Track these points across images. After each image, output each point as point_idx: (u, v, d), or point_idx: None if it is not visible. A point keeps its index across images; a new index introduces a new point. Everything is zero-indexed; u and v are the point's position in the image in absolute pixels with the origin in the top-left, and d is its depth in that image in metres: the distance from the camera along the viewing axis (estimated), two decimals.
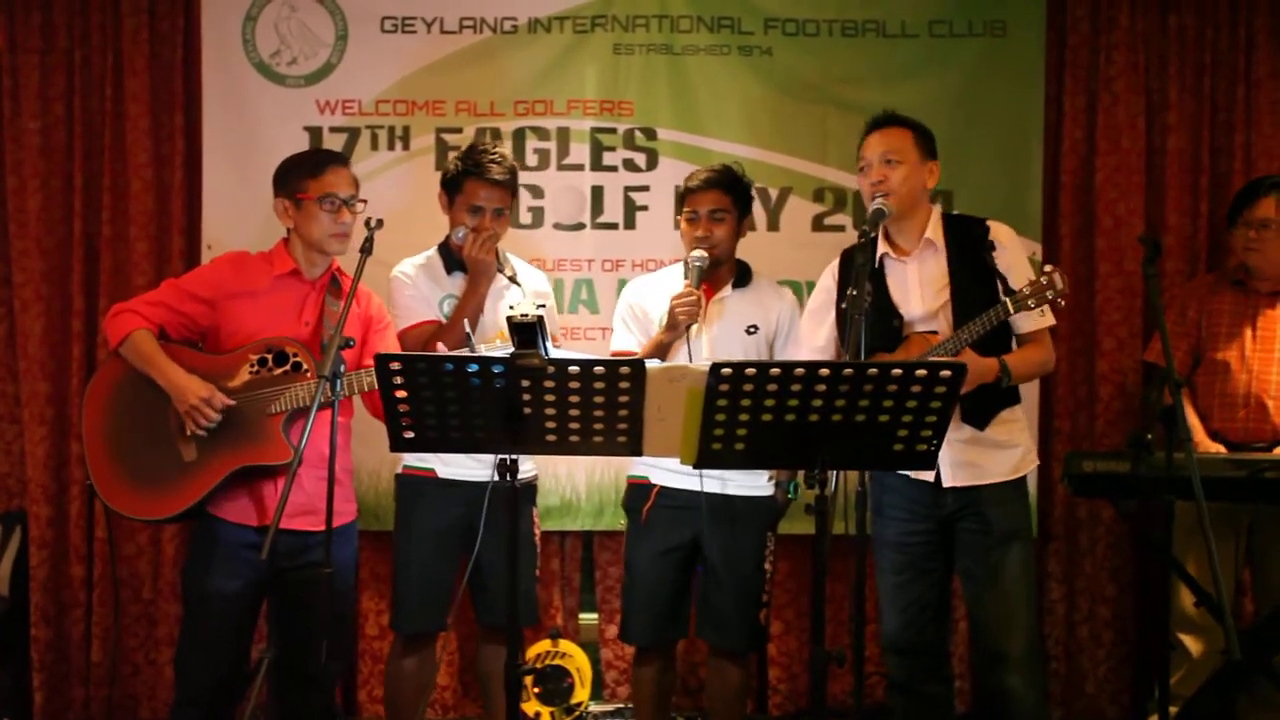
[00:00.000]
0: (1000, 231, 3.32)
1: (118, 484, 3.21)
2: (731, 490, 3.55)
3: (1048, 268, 3.01)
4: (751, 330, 3.61)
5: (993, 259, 3.24)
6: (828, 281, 3.49)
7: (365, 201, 3.34)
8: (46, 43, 4.49)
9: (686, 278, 3.54)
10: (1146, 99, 4.52)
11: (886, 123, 3.37)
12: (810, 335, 3.49)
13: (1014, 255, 3.29)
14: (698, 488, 3.48)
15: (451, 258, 3.65)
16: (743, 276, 3.68)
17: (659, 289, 3.66)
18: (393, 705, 3.69)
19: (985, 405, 3.24)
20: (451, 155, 3.70)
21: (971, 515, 3.25)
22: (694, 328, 3.53)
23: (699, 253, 3.53)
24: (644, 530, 3.61)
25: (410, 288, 3.63)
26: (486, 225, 3.56)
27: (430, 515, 3.57)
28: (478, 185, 3.57)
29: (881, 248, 3.34)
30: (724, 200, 3.59)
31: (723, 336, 3.57)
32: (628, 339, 3.68)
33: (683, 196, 3.69)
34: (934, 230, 3.32)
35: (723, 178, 3.62)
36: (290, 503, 2.97)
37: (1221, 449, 3.89)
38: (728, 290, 3.64)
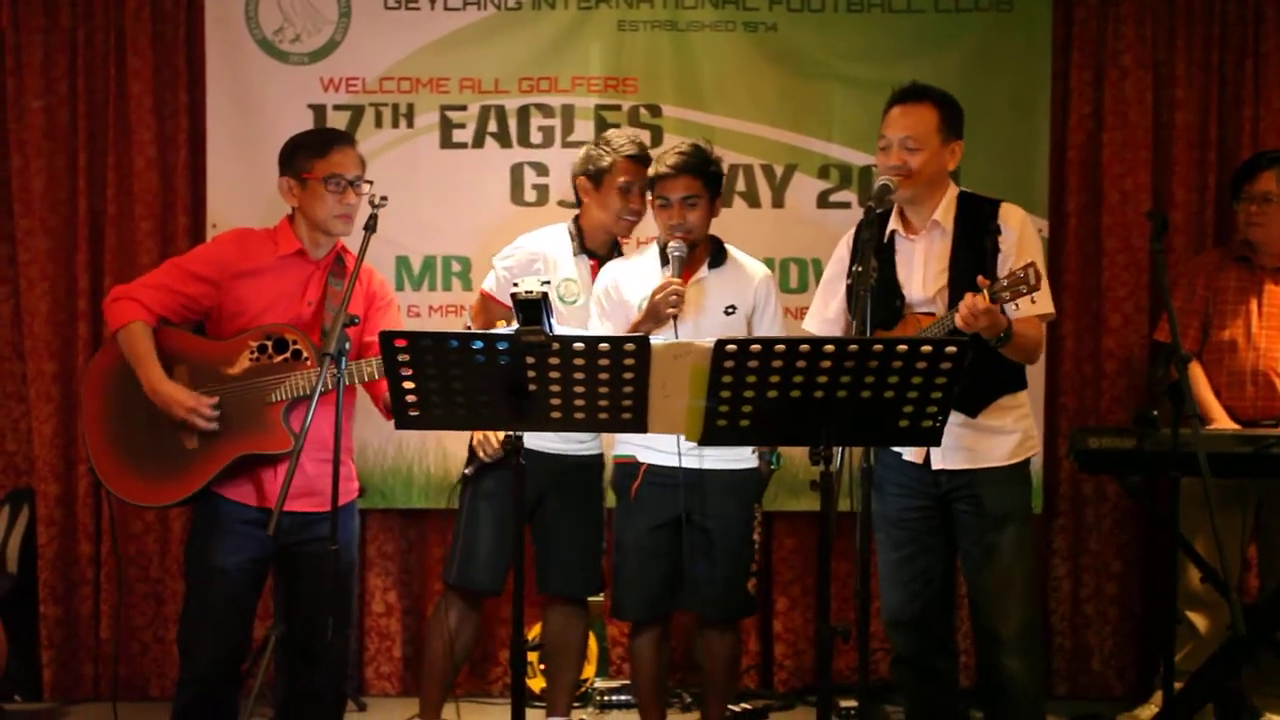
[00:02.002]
0: (1011, 215, 3.22)
1: (119, 470, 3.21)
2: (715, 465, 3.53)
3: (1025, 260, 2.94)
4: (730, 311, 3.56)
5: (995, 243, 3.18)
6: (842, 252, 3.42)
7: (371, 182, 3.30)
8: (49, 20, 4.48)
9: (666, 267, 3.48)
10: (1154, 73, 4.49)
11: (912, 96, 3.23)
12: (821, 306, 3.45)
13: (1021, 240, 3.18)
14: (683, 464, 3.48)
15: (582, 241, 3.70)
16: (718, 256, 3.61)
17: (635, 273, 3.61)
18: (431, 663, 3.71)
19: (978, 392, 3.16)
20: (597, 148, 3.68)
21: (966, 497, 3.23)
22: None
23: (677, 244, 3.46)
24: (633, 508, 3.62)
25: (525, 266, 3.65)
26: (637, 204, 3.65)
27: (505, 483, 3.54)
28: (628, 165, 3.63)
29: (893, 224, 3.30)
30: (695, 185, 3.49)
31: (703, 321, 3.52)
32: (601, 327, 3.61)
33: (651, 182, 3.56)
34: (944, 212, 3.24)
35: (692, 162, 3.50)
36: (291, 484, 2.97)
37: (1237, 427, 3.89)
38: (704, 271, 3.58)
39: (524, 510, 2.79)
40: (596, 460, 3.80)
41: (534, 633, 4.26)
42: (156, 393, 3.14)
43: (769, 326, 3.60)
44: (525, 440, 3.50)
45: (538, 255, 3.68)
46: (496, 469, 3.60)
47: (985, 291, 2.91)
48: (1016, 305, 2.95)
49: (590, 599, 3.92)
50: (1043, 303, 3.14)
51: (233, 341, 3.20)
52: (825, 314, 3.43)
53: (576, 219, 3.76)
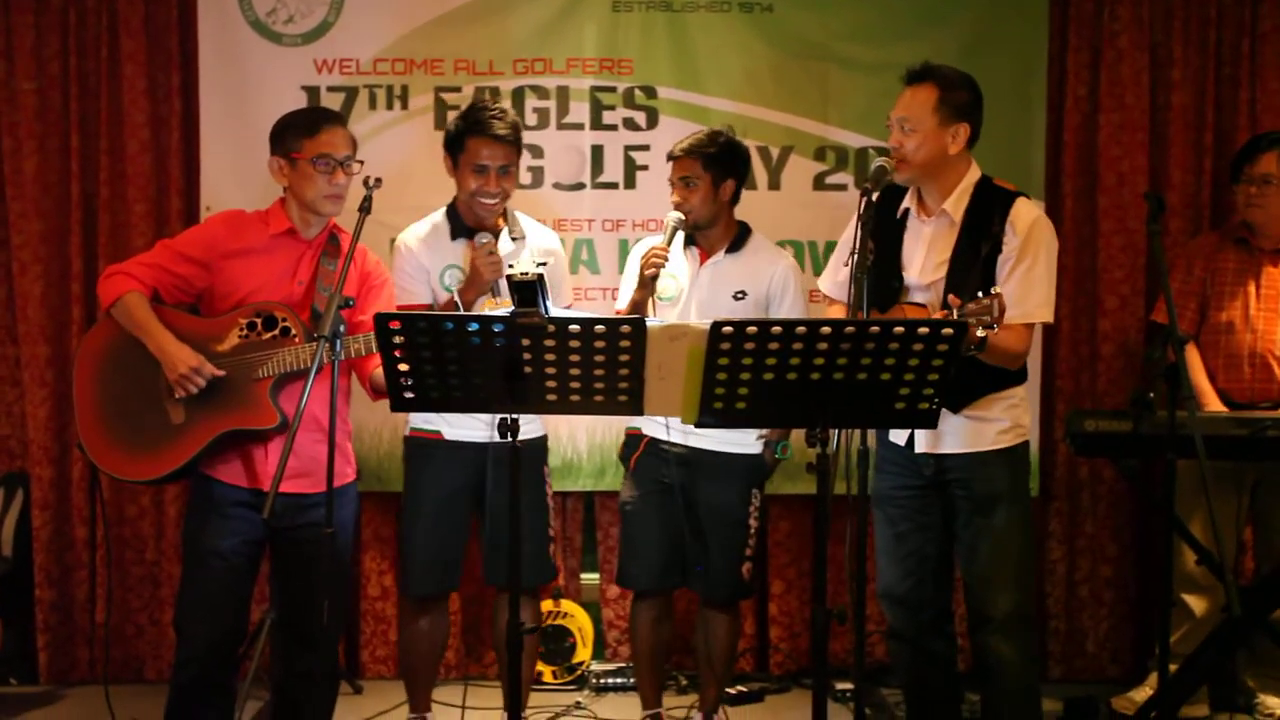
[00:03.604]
0: (1021, 216, 3.14)
1: (106, 444, 3.21)
2: (716, 446, 3.59)
3: (995, 289, 2.87)
4: (739, 296, 3.60)
5: (998, 244, 3.14)
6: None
7: (362, 162, 3.27)
8: (41, 2, 4.45)
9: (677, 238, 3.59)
10: (1150, 54, 4.48)
11: (916, 77, 3.21)
12: (834, 268, 3.44)
13: (1024, 245, 3.11)
14: (685, 442, 3.54)
15: (459, 223, 3.59)
16: (739, 240, 3.67)
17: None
18: (408, 668, 3.72)
19: (961, 391, 3.13)
20: (451, 114, 3.64)
21: (957, 480, 3.23)
22: (682, 294, 3.60)
23: (674, 213, 3.57)
24: (632, 476, 3.70)
25: (410, 262, 3.59)
26: (493, 185, 3.51)
27: (438, 477, 3.58)
28: (481, 143, 3.50)
29: (909, 201, 3.28)
30: (693, 166, 3.58)
31: (710, 303, 3.57)
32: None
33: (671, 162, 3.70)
34: (956, 201, 3.19)
35: (693, 145, 3.61)
36: (286, 465, 2.96)
37: (1224, 409, 3.89)
38: (720, 256, 3.64)
39: (518, 495, 2.77)
40: (537, 443, 3.71)
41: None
42: (163, 350, 3.13)
43: (788, 316, 3.62)
44: (448, 432, 3.55)
45: (414, 250, 3.58)
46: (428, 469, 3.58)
47: (954, 312, 2.89)
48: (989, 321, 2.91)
49: (586, 582, 3.93)
50: (1033, 311, 3.11)
51: (223, 319, 3.20)
52: (837, 276, 3.42)
53: (454, 199, 3.66)
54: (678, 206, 3.59)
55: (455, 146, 3.55)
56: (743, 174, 3.70)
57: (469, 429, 3.52)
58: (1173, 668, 3.61)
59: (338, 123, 3.30)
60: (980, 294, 2.87)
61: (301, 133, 3.23)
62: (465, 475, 3.54)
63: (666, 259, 3.51)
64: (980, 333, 2.86)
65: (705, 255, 3.64)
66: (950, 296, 2.95)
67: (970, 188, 3.22)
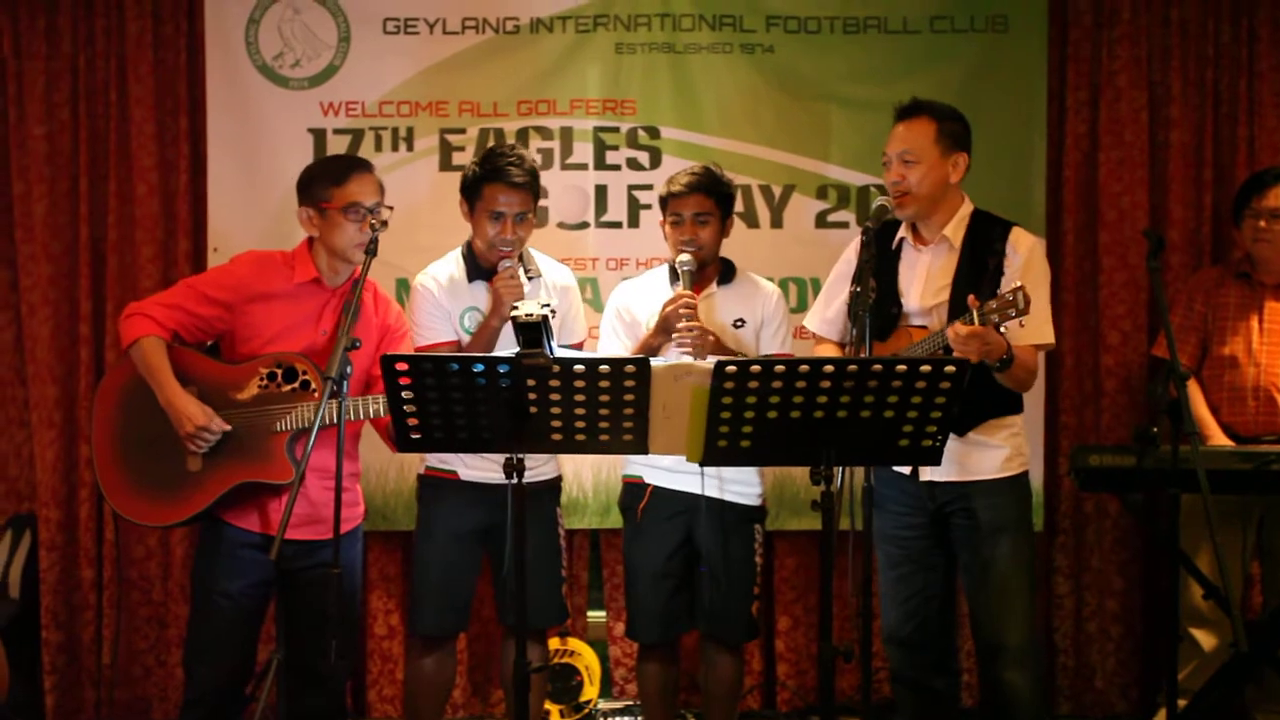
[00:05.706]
0: (1021, 240, 3.23)
1: (123, 488, 3.22)
2: (725, 495, 3.56)
3: (1016, 283, 2.94)
4: (739, 324, 3.62)
5: (1000, 264, 3.19)
6: (850, 254, 3.43)
7: (391, 208, 3.25)
8: (51, 47, 4.50)
9: (676, 282, 3.52)
10: (1149, 92, 4.51)
11: (910, 113, 3.28)
12: (823, 305, 3.48)
13: (1026, 266, 3.18)
14: (691, 488, 3.50)
15: (475, 265, 3.58)
16: (727, 273, 3.68)
17: (646, 292, 3.66)
18: (412, 707, 3.69)
19: (969, 413, 3.16)
20: (456, 155, 3.65)
21: (961, 510, 3.24)
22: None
23: (686, 257, 3.51)
24: (640, 529, 3.64)
25: (430, 302, 3.57)
26: (509, 232, 3.48)
27: (451, 517, 3.56)
28: (497, 189, 3.46)
29: (903, 232, 3.32)
30: (707, 204, 3.56)
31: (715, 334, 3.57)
32: (615, 345, 3.66)
33: (664, 200, 3.63)
34: (954, 228, 3.26)
35: (705, 181, 3.57)
36: (295, 513, 2.97)
37: (1232, 444, 3.89)
38: (714, 288, 3.64)
39: (524, 536, 2.77)
40: (551, 484, 3.70)
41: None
42: (171, 405, 3.13)
43: (774, 339, 3.64)
44: (463, 473, 3.53)
45: (434, 292, 3.57)
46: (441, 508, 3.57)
47: (975, 312, 2.92)
48: (1005, 329, 2.95)
49: (593, 620, 3.91)
50: (1041, 332, 3.15)
51: (243, 366, 3.20)
52: (826, 313, 3.46)
53: (469, 240, 3.64)
54: (688, 244, 3.52)
55: (471, 193, 3.53)
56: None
57: (484, 470, 3.49)
58: (1182, 703, 3.59)
59: (366, 170, 3.30)
60: (1000, 293, 2.92)
61: (330, 182, 3.23)
62: (478, 516, 3.54)
63: (696, 305, 3.44)
64: (1002, 330, 2.92)
65: (698, 289, 3.58)
66: (970, 298, 2.97)
67: (966, 217, 3.30)
